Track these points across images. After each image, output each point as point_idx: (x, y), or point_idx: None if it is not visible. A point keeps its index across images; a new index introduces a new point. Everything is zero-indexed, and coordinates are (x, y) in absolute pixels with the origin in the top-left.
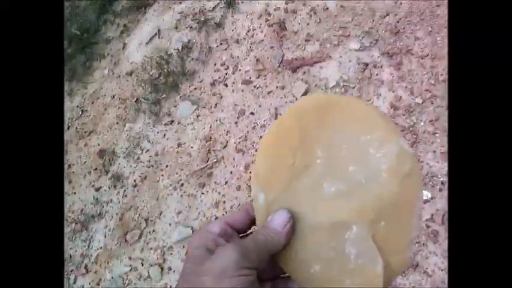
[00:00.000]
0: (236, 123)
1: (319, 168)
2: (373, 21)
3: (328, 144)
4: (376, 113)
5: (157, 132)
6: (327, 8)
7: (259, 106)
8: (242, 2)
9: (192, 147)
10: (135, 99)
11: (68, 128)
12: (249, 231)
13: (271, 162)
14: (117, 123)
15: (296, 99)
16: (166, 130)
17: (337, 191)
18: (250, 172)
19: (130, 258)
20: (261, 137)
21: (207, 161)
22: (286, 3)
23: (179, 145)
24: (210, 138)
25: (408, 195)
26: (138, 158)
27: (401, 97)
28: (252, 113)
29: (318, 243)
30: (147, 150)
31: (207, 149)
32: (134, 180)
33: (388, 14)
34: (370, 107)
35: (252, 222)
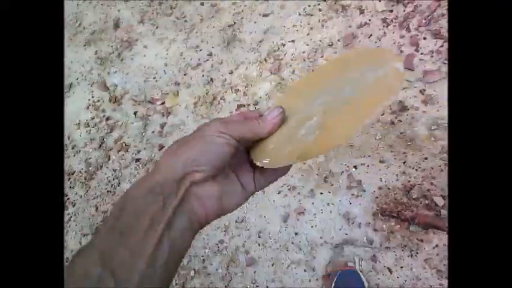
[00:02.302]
0: None
1: (326, 91)
2: None
3: (344, 84)
4: (398, 63)
5: None
6: None
7: None
8: None
9: None
10: None
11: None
12: None
13: (297, 90)
14: None
15: None
16: None
17: (324, 102)
18: None
19: None
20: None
21: None
22: None
23: None
24: None
25: (379, 93)
26: None
27: None
28: None
29: (283, 132)
30: None
31: None
32: None
33: None
34: (399, 60)
35: None
